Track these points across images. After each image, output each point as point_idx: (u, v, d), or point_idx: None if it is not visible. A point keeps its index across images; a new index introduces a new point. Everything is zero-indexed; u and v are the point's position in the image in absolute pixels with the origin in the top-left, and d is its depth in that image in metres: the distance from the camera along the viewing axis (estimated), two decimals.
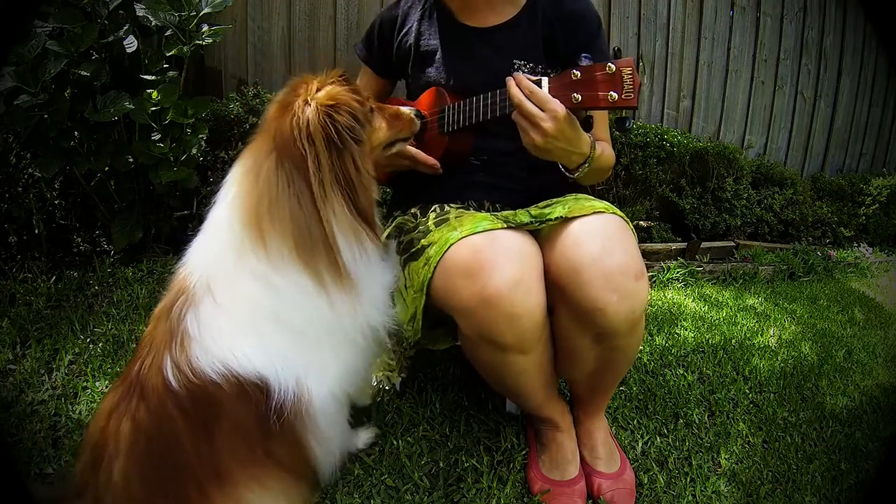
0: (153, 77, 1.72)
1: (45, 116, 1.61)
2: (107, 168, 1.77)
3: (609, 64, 0.89)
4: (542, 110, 0.93)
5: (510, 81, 0.96)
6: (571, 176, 1.07)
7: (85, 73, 1.60)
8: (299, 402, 0.87)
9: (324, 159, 0.84)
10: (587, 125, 0.99)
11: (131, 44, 1.73)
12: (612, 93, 0.89)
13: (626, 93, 0.88)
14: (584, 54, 0.93)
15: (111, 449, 0.81)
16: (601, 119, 1.23)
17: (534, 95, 0.94)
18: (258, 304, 0.85)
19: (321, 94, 0.87)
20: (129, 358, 0.94)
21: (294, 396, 0.86)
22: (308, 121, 0.84)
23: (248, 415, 0.84)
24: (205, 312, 0.84)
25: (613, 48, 1.00)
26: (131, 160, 1.73)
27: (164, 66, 1.76)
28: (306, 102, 0.86)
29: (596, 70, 0.90)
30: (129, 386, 0.85)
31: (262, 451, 0.87)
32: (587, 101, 0.91)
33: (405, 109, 1.05)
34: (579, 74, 0.91)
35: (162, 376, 0.82)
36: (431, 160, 1.15)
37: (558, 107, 0.93)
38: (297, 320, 0.87)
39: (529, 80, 0.96)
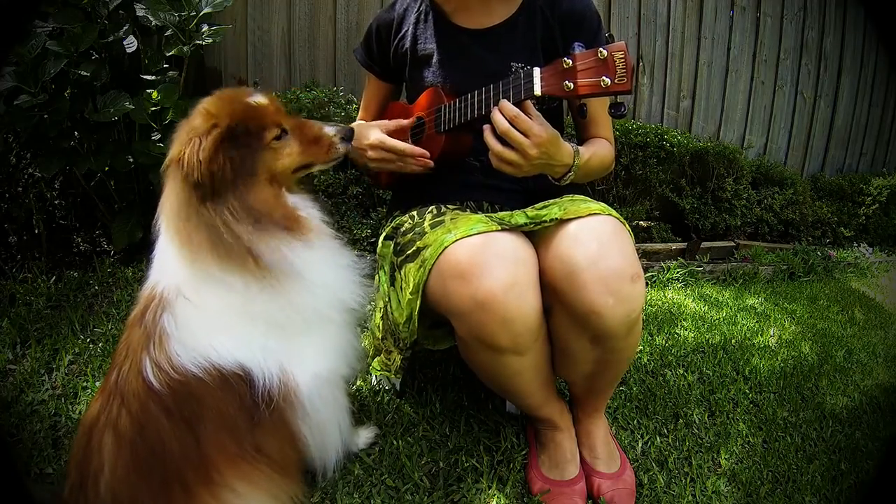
0: (153, 77, 1.72)
1: (45, 116, 1.61)
2: (107, 168, 1.77)
3: (601, 49, 0.88)
4: (527, 136, 0.95)
5: (495, 113, 0.97)
6: (557, 183, 1.09)
7: (85, 73, 1.60)
8: (286, 388, 0.88)
9: (203, 188, 0.85)
10: (581, 113, 0.99)
11: (131, 44, 1.73)
12: (604, 78, 0.88)
13: (618, 77, 0.87)
14: (576, 42, 0.92)
15: (95, 464, 0.81)
16: (602, 115, 1.23)
17: (517, 120, 0.95)
18: (226, 301, 0.87)
19: (203, 119, 0.87)
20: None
21: (280, 382, 0.87)
22: (186, 152, 0.84)
23: (233, 407, 0.85)
24: (180, 311, 0.85)
25: (607, 34, 0.98)
26: (131, 160, 1.73)
27: (164, 66, 1.76)
28: (189, 132, 0.87)
29: (587, 57, 0.90)
30: (108, 396, 0.85)
31: (251, 445, 0.87)
32: (580, 89, 0.91)
33: (328, 131, 1.00)
34: (571, 62, 0.91)
35: (142, 378, 0.83)
36: (419, 150, 1.12)
37: (540, 132, 0.95)
38: (260, 311, 0.88)
39: (520, 74, 0.97)
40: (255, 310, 0.88)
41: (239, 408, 0.85)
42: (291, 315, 0.90)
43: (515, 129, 0.95)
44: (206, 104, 0.90)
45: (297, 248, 0.90)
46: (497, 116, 0.97)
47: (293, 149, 0.95)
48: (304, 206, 0.97)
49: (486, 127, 1.00)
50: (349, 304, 0.98)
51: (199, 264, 0.85)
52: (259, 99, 0.92)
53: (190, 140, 0.85)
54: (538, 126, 0.95)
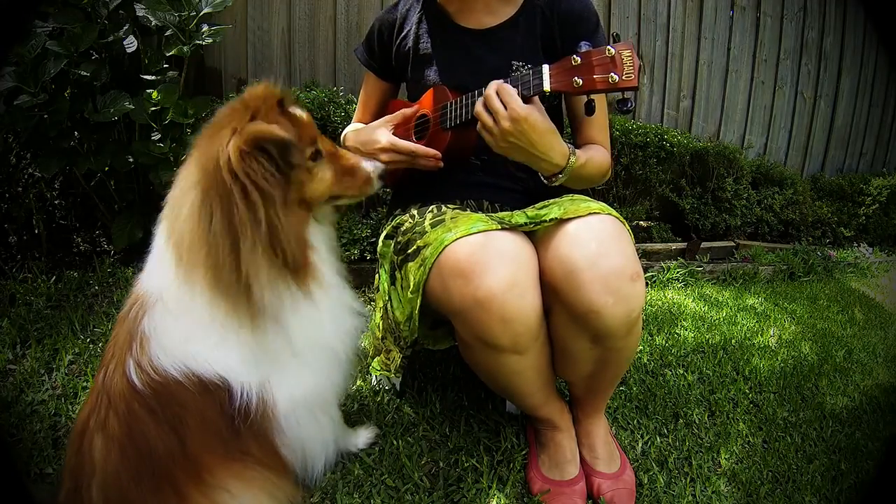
0: (153, 77, 1.72)
1: (45, 116, 1.61)
2: (107, 168, 1.77)
3: (608, 47, 0.90)
4: (505, 107, 0.96)
5: (490, 85, 0.98)
6: (548, 183, 1.08)
7: (85, 73, 1.60)
8: (264, 405, 0.86)
9: (234, 204, 0.77)
10: (589, 109, 0.99)
11: (131, 44, 1.73)
12: (612, 74, 0.90)
13: (626, 74, 0.89)
14: (583, 42, 0.95)
15: (88, 468, 0.80)
16: (601, 119, 1.23)
17: (501, 91, 0.96)
18: (205, 318, 0.84)
19: (248, 130, 0.78)
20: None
21: (258, 398, 0.85)
22: (226, 159, 0.76)
23: (214, 412, 0.84)
24: (158, 316, 0.84)
25: (613, 34, 1.01)
26: (131, 160, 1.73)
27: (164, 66, 1.76)
28: (232, 135, 0.78)
29: (596, 55, 0.92)
30: (96, 397, 0.84)
31: (237, 448, 0.86)
32: (588, 85, 0.93)
33: (366, 166, 0.93)
34: (579, 60, 0.93)
35: (126, 378, 0.82)
36: (432, 151, 1.13)
37: (519, 107, 0.95)
38: (239, 338, 0.85)
39: (526, 75, 0.98)
40: (234, 335, 0.85)
41: (220, 413, 0.84)
42: (270, 352, 0.87)
43: (497, 98, 0.96)
44: (245, 97, 0.83)
45: (293, 301, 0.86)
46: (489, 87, 0.98)
47: (326, 175, 0.89)
48: (323, 250, 0.92)
49: (479, 100, 1.01)
50: (339, 355, 0.96)
51: (189, 286, 0.82)
52: (298, 111, 0.86)
53: (225, 134, 0.77)
54: (521, 106, 0.95)
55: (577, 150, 1.07)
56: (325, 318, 0.92)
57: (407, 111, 1.21)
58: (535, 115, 0.97)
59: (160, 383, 0.82)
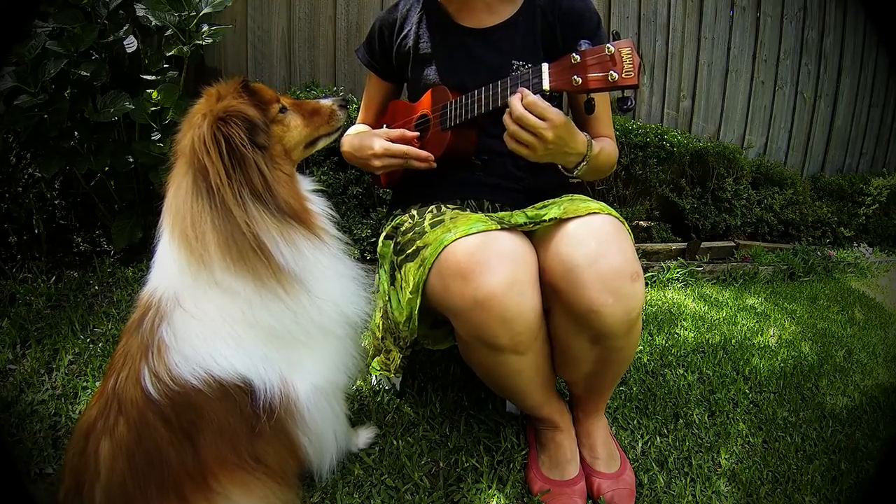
0: (153, 77, 1.72)
1: (45, 116, 1.61)
2: (107, 168, 1.77)
3: (608, 45, 0.90)
4: (543, 120, 0.95)
5: (513, 98, 0.97)
6: (570, 175, 1.08)
7: (85, 73, 1.60)
8: (286, 399, 0.88)
9: (224, 172, 0.84)
10: (589, 108, 0.99)
11: (131, 44, 1.74)
12: (612, 72, 0.90)
13: (626, 72, 0.89)
14: (582, 40, 0.94)
15: (91, 472, 0.80)
16: (604, 114, 1.23)
17: (533, 106, 0.95)
18: (226, 311, 0.86)
19: (215, 107, 0.88)
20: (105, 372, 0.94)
21: (280, 394, 0.87)
22: (203, 136, 0.85)
23: (233, 418, 0.84)
24: (178, 322, 0.84)
25: (613, 32, 1.01)
26: (131, 160, 1.73)
27: (164, 66, 1.77)
28: (203, 117, 0.87)
29: (595, 53, 0.91)
30: (105, 402, 0.84)
31: (250, 454, 0.87)
32: (588, 83, 0.92)
33: (325, 102, 1.05)
34: (579, 58, 0.93)
35: (140, 388, 0.82)
36: (424, 153, 1.13)
37: (556, 116, 0.95)
38: (263, 320, 0.87)
39: (529, 73, 0.98)
40: (256, 319, 0.86)
41: (239, 418, 0.85)
42: (293, 328, 0.89)
43: (531, 114, 0.95)
44: (208, 88, 0.92)
45: (309, 248, 0.90)
46: (514, 101, 0.97)
47: (297, 121, 0.98)
48: (311, 197, 0.99)
49: (508, 111, 0.99)
50: (352, 319, 0.98)
51: (206, 269, 0.84)
52: (256, 84, 0.97)
53: (195, 119, 0.87)
54: (554, 111, 0.95)
55: (592, 140, 1.07)
56: (337, 275, 0.96)
57: (407, 133, 1.19)
58: (564, 115, 0.97)
59: (178, 392, 0.82)
